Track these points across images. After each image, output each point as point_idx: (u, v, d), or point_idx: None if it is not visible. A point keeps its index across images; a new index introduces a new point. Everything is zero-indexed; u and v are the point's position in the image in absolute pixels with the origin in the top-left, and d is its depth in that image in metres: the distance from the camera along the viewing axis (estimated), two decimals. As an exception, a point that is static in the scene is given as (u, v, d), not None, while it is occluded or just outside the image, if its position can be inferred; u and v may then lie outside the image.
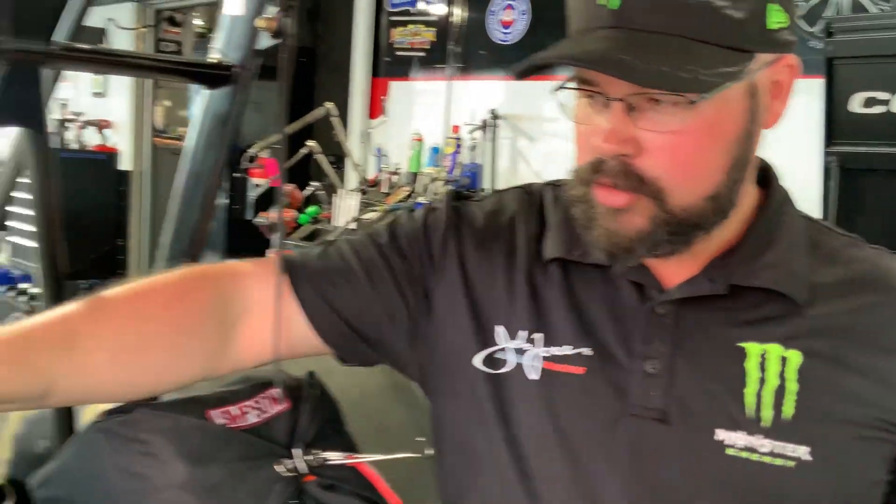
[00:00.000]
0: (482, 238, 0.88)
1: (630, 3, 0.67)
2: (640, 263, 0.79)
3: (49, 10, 0.73)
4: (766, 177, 0.83)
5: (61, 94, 5.77)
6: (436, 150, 3.95)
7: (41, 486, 0.90)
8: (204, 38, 5.87)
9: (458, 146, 3.86)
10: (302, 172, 4.08)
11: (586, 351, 0.79)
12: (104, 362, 0.80)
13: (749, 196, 0.80)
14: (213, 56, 0.93)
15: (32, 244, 5.20)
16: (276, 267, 0.88)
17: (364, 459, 0.90)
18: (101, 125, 5.77)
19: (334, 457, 0.90)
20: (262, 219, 3.67)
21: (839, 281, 0.78)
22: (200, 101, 0.96)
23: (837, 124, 2.48)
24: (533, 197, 0.91)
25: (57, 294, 0.97)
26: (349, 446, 0.97)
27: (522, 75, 0.74)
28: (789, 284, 0.76)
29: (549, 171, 3.71)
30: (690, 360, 0.76)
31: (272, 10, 0.80)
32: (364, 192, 3.87)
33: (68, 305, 0.81)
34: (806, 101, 2.81)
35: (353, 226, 3.60)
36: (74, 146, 5.68)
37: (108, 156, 5.75)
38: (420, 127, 4.07)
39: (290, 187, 3.80)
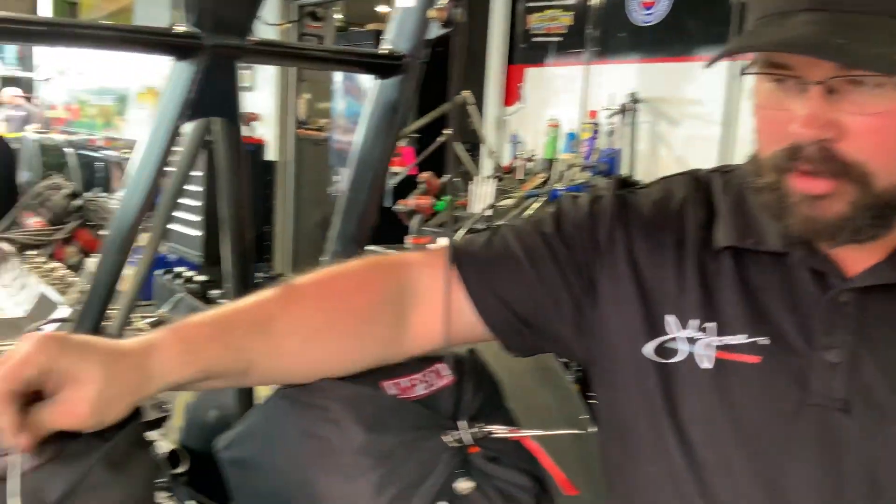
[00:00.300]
0: (650, 226, 0.87)
1: None
2: (820, 251, 0.77)
3: (245, 7, 0.80)
4: None
5: (213, 89, 6.11)
6: (572, 136, 3.92)
7: (226, 448, 0.97)
8: (343, 31, 6.06)
9: (596, 131, 3.81)
10: (438, 160, 4.15)
11: (762, 340, 0.78)
12: (295, 345, 0.86)
13: None
14: (385, 47, 0.97)
15: (187, 230, 5.56)
16: (445, 257, 0.91)
17: (528, 434, 0.92)
18: (249, 118, 6.07)
19: (499, 430, 0.93)
20: (401, 206, 3.77)
21: None
22: (371, 90, 1.01)
23: None
24: (701, 183, 0.90)
25: (244, 281, 1.04)
26: (510, 421, 1.00)
27: (715, 62, 0.74)
28: None
29: (691, 155, 3.60)
30: (874, 350, 0.74)
31: (443, 1, 0.83)
32: (499, 179, 3.90)
33: (263, 292, 0.89)
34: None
35: (488, 213, 3.64)
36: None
37: (255, 147, 6.07)
38: (556, 113, 4.05)
39: (426, 175, 3.87)
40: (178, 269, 6.10)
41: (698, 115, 3.60)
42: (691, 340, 0.81)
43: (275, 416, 0.92)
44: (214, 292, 5.91)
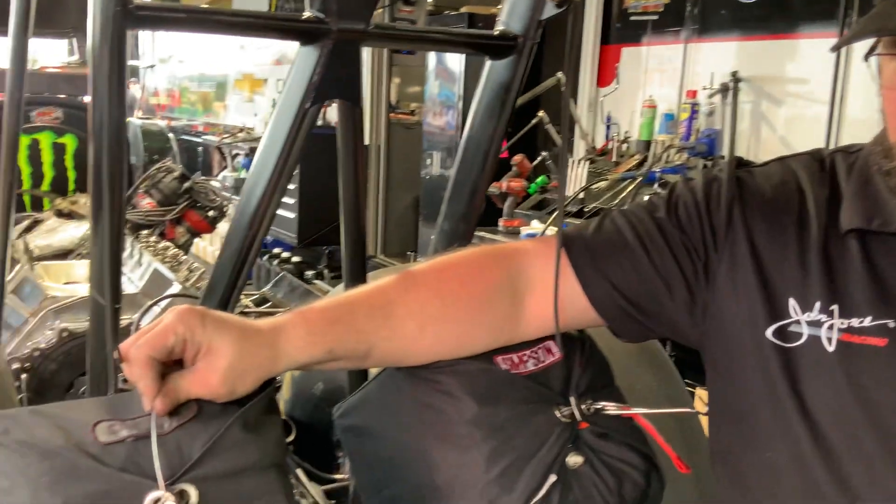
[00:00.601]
0: (770, 209, 0.86)
1: None
2: None
3: (369, -7, 0.83)
4: None
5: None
6: (669, 117, 3.83)
7: (343, 416, 1.02)
8: (435, 14, 6.08)
9: (694, 112, 3.71)
10: (531, 142, 4.13)
11: (890, 323, 0.76)
12: (413, 330, 0.90)
13: None
14: (498, 28, 0.99)
15: (282, 213, 5.69)
16: (556, 244, 0.92)
17: (640, 412, 0.92)
18: (343, 102, 6.17)
19: (610, 407, 0.94)
20: (494, 189, 3.78)
21: None
22: (484, 71, 1.03)
23: None
24: (823, 164, 0.88)
25: (359, 263, 1.08)
26: (619, 399, 1.01)
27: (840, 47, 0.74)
28: None
29: (794, 136, 3.47)
30: None
31: (557, -18, 0.84)
32: (592, 161, 3.86)
33: (382, 279, 0.93)
34: None
35: (581, 195, 3.61)
36: (319, 123, 6.11)
37: (348, 131, 6.16)
38: (653, 93, 3.97)
39: (519, 157, 3.87)
40: (275, 251, 6.30)
41: (803, 95, 3.46)
42: (815, 323, 0.80)
43: (391, 386, 0.95)
44: (309, 273, 6.07)
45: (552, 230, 3.42)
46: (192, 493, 0.69)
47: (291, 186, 6.02)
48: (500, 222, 3.73)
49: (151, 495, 0.67)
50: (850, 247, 0.81)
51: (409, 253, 6.04)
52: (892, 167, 0.75)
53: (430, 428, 0.91)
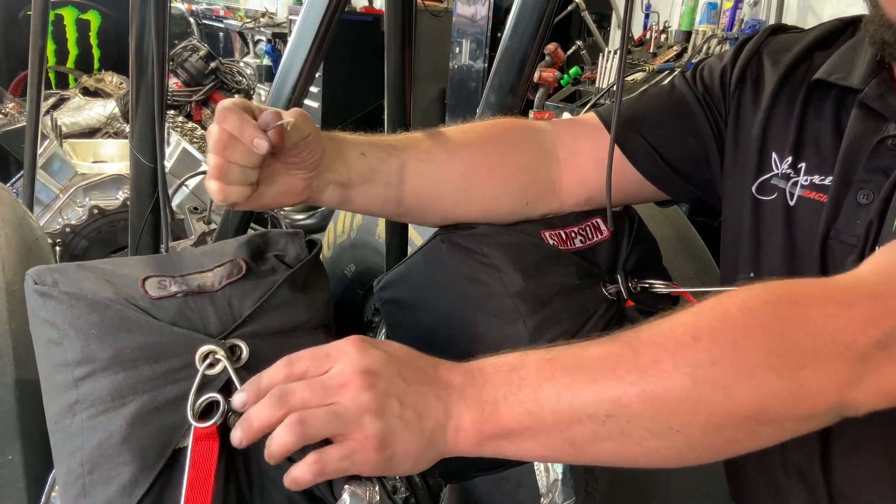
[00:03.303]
0: (778, 65, 0.88)
1: None
2: (889, 95, 0.77)
3: None
4: None
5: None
6: (713, 6, 3.66)
7: (383, 289, 1.01)
8: None
9: (739, 0, 3.55)
10: (565, 31, 3.99)
11: (828, 179, 0.80)
12: (443, 155, 0.90)
13: None
14: None
15: (306, 102, 5.59)
16: (587, 121, 0.95)
17: (688, 291, 0.91)
18: (368, -13, 5.99)
19: (658, 285, 0.93)
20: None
21: None
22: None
23: None
24: (841, 28, 0.88)
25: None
26: (667, 278, 0.99)
27: None
28: None
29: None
30: None
31: None
32: (629, 52, 3.72)
33: None
34: None
35: (615, 88, 3.51)
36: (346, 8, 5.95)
37: (373, 17, 6.01)
38: (695, -19, 3.78)
39: (552, 46, 3.74)
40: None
41: (856, -15, 3.29)
42: (785, 177, 0.84)
43: (436, 258, 0.93)
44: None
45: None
46: (244, 347, 0.68)
47: (314, 104, 5.93)
48: (531, 113, 3.65)
49: (203, 348, 0.66)
50: (819, 101, 0.83)
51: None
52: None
53: (475, 300, 0.90)
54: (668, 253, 1.60)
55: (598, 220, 0.96)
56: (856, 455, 0.78)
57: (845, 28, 0.88)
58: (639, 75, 3.49)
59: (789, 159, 0.83)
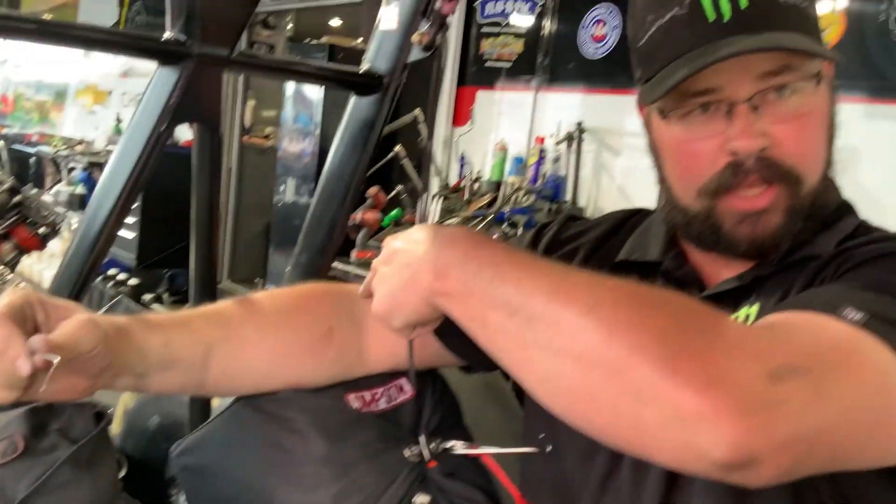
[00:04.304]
0: (575, 252, 0.96)
1: (738, 15, 0.73)
2: (685, 263, 0.86)
3: (235, 18, 0.81)
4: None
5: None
6: (519, 160, 3.99)
7: (182, 455, 0.97)
8: (296, 42, 6.04)
9: (542, 157, 3.89)
10: (387, 175, 4.17)
11: None
12: (252, 332, 0.89)
13: None
14: (364, 66, 1.00)
15: (121, 232, 5.38)
16: None
17: (487, 451, 0.94)
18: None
19: (458, 446, 0.96)
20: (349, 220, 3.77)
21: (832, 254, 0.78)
22: (349, 107, 1.03)
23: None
24: (629, 216, 0.99)
25: (209, 291, 1.04)
26: (467, 438, 1.03)
27: (660, 96, 0.79)
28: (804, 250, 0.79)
29: (630, 184, 3.71)
30: None
31: (424, 27, 0.86)
32: (446, 198, 3.93)
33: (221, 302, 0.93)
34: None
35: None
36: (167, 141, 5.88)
37: (197, 151, 5.96)
38: (504, 136, 4.12)
39: (374, 189, 3.88)
40: (110, 272, 5.90)
41: (638, 147, 3.69)
42: None
43: (236, 423, 0.92)
44: (147, 296, 5.73)
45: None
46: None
47: (133, 205, 5.70)
48: (353, 254, 3.72)
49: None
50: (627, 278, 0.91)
51: (257, 280, 5.88)
52: (691, 216, 0.81)
53: (276, 468, 0.88)
54: (476, 401, 1.65)
55: (402, 381, 0.99)
56: None
57: (630, 217, 0.99)
58: (455, 220, 3.68)
59: None
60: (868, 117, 2.92)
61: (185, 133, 6.08)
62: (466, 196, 3.97)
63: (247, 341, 0.88)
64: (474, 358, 0.99)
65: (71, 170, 6.48)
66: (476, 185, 4.05)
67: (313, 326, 0.93)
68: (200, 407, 1.11)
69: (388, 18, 0.92)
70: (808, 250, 0.80)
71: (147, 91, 0.85)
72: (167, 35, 0.81)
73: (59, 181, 6.49)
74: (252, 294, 0.95)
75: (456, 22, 4.35)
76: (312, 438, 0.88)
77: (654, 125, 0.84)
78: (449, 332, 0.96)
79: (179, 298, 5.49)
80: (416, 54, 0.92)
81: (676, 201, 0.83)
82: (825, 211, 0.80)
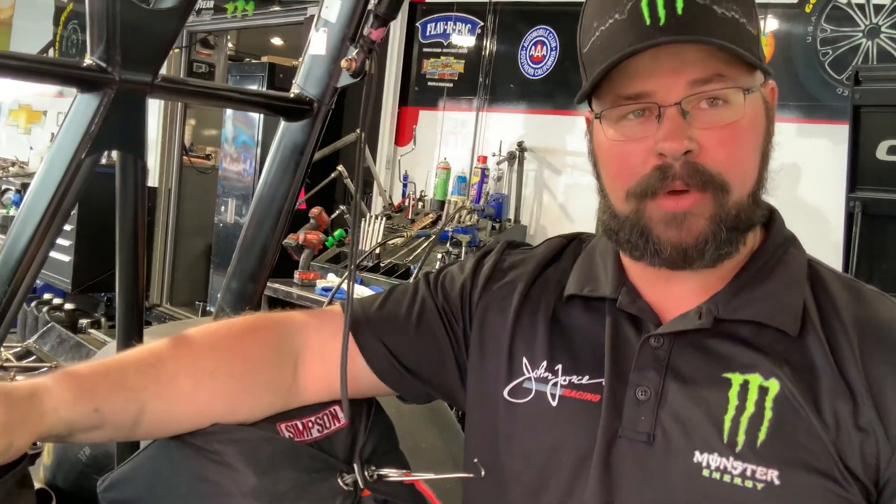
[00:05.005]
0: (519, 282, 0.96)
1: (673, 20, 0.75)
2: (640, 299, 0.87)
3: (157, 45, 0.80)
4: (771, 219, 0.89)
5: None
6: (462, 179, 4.01)
7: (108, 490, 0.94)
8: (236, 61, 5.98)
9: (484, 176, 3.92)
10: (330, 195, 4.14)
11: (601, 380, 0.85)
12: (187, 385, 0.86)
13: (755, 236, 0.86)
14: (294, 91, 0.99)
15: (56, 255, 5.21)
16: (338, 314, 0.96)
17: (421, 478, 0.94)
18: (131, 141, 5.85)
19: (392, 473, 0.95)
20: (291, 240, 3.73)
21: (830, 320, 0.81)
22: (279, 131, 1.02)
23: (862, 170, 2.53)
24: (571, 243, 1.00)
25: (135, 317, 1.01)
26: (402, 464, 1.02)
27: (587, 95, 0.82)
28: (775, 316, 0.81)
29: (571, 202, 3.77)
30: (678, 389, 0.81)
31: (353, 52, 0.86)
32: (389, 218, 3.93)
33: (155, 342, 0.89)
34: (833, 146, 2.88)
35: (377, 251, 3.66)
36: (103, 161, 5.74)
37: (135, 172, 5.84)
38: (447, 156, 4.14)
39: (316, 210, 3.85)
40: (45, 297, 5.72)
41: (578, 166, 3.78)
42: (542, 380, 0.88)
43: (164, 457, 0.89)
44: (84, 321, 5.56)
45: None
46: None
47: (68, 227, 5.58)
48: (296, 274, 3.68)
49: None
50: (571, 312, 0.91)
51: (198, 303, 5.77)
52: (623, 219, 0.83)
53: (206, 501, 0.86)
54: (416, 424, 1.64)
55: (336, 408, 0.98)
56: None
57: (568, 243, 1.00)
58: (398, 240, 3.67)
59: (544, 363, 0.88)
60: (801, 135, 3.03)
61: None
62: (410, 215, 3.97)
63: (179, 395, 0.86)
64: (409, 392, 1.00)
65: (4, 191, 6.28)
66: (420, 205, 4.05)
67: (251, 370, 0.91)
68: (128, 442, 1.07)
69: (317, 43, 0.91)
70: (770, 290, 0.82)
71: (67, 117, 0.83)
72: (87, 61, 0.79)
73: (-8, 203, 6.29)
74: (189, 333, 0.91)
75: (397, 42, 4.37)
76: (241, 471, 0.86)
77: (594, 130, 0.85)
78: (383, 364, 0.96)
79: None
80: (345, 80, 0.92)
81: (611, 206, 0.85)
82: (750, 225, 0.81)
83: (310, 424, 0.95)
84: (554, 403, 0.86)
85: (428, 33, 4.34)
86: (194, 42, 5.97)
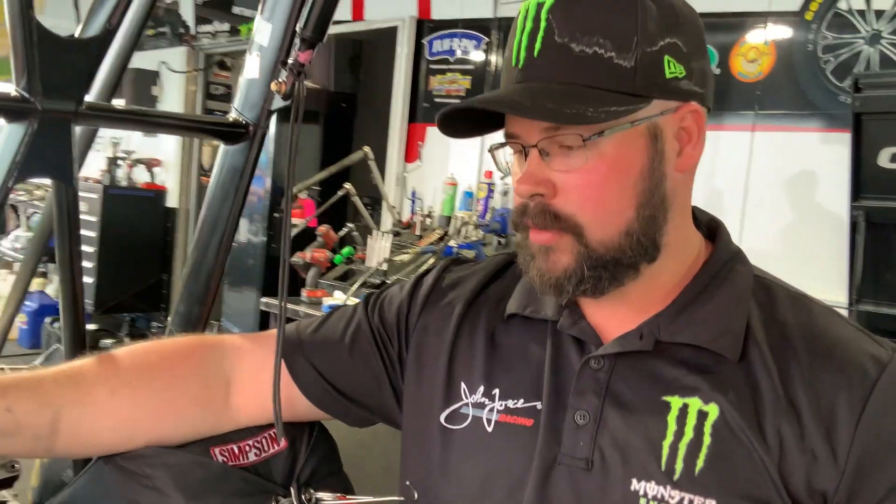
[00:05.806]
0: (458, 302, 0.94)
1: (530, 62, 0.76)
2: (581, 319, 0.85)
3: (80, 72, 0.81)
4: (717, 235, 0.87)
5: (113, 134, 5.99)
6: (469, 195, 4.01)
7: (49, 515, 0.95)
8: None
9: (491, 191, 3.91)
10: (338, 213, 4.16)
11: (536, 404, 0.84)
12: (105, 395, 0.87)
13: (698, 254, 0.85)
14: (231, 115, 1.00)
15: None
16: (271, 338, 0.95)
17: (355, 501, 0.93)
18: (151, 164, 5.97)
19: (327, 497, 0.94)
20: (298, 259, 3.75)
21: (776, 338, 0.79)
22: (219, 155, 1.03)
23: (864, 179, 2.48)
24: (511, 262, 0.97)
25: (77, 346, 1.03)
26: (345, 486, 1.02)
27: (446, 123, 0.81)
28: (716, 341, 0.79)
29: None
30: (618, 413, 0.80)
31: (283, 75, 0.86)
32: (397, 234, 3.94)
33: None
34: (836, 154, 2.82)
35: (384, 266, 3.66)
36: (124, 184, 5.87)
37: (155, 193, 5.95)
38: (454, 171, 4.14)
39: (323, 228, 3.88)
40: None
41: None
42: (479, 405, 0.87)
43: (98, 482, 0.90)
44: (108, 341, 5.65)
45: (353, 300, 3.44)
46: None
47: (89, 249, 5.68)
48: (304, 292, 3.70)
49: None
50: (511, 332, 0.90)
51: (213, 322, 5.82)
52: (516, 242, 0.83)
53: (137, 526, 0.86)
54: (359, 452, 1.64)
55: (275, 431, 0.97)
56: None
57: (513, 260, 0.97)
58: (405, 257, 3.67)
59: (481, 388, 0.87)
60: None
61: (142, 175, 6.08)
62: (418, 231, 3.97)
63: (97, 404, 0.86)
64: (346, 416, 0.99)
65: (31, 215, 6.42)
66: (427, 221, 4.06)
67: (175, 386, 0.91)
68: (82, 461, 1.08)
69: (251, 67, 0.92)
70: (712, 312, 0.80)
71: (-1, 146, 0.85)
72: (13, 92, 0.81)
73: (18, 226, 6.42)
74: (115, 350, 0.93)
75: (405, 60, 4.40)
76: (171, 496, 0.87)
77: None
78: (316, 389, 0.96)
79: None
80: (277, 102, 0.93)
81: None
82: (632, 263, 0.79)
83: (247, 448, 0.95)
84: (490, 429, 0.85)
85: (434, 50, 4.36)
86: (211, 65, 6.07)
